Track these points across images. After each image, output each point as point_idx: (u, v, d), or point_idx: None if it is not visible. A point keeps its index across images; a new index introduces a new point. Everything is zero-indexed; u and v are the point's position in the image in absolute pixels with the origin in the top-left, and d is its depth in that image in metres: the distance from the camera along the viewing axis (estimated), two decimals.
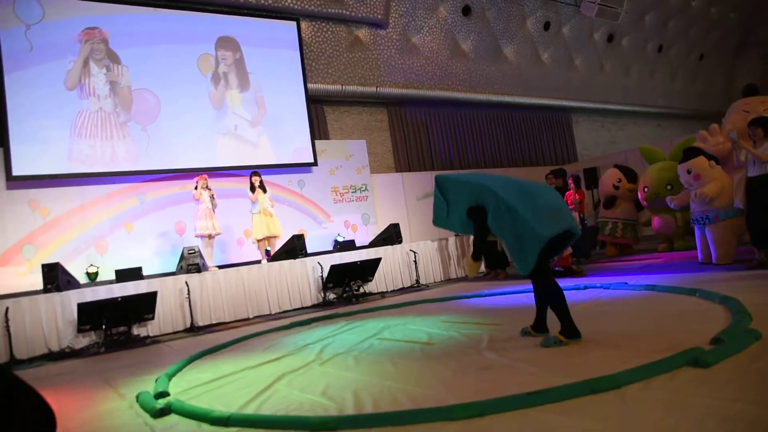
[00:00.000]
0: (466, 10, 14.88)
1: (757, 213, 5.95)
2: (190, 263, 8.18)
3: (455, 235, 11.22)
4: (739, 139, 6.09)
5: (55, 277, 7.28)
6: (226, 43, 10.97)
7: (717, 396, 2.32)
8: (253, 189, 9.15)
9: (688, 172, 6.98)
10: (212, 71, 10.73)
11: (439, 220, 4.43)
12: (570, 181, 10.26)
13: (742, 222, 6.61)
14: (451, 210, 4.26)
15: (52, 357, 6.67)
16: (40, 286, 7.56)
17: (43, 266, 7.43)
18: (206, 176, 9.08)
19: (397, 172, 13.82)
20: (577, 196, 9.98)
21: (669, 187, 8.81)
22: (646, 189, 9.41)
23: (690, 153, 7.15)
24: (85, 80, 9.36)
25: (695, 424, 2.05)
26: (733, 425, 2.01)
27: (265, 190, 9.24)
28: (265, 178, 9.47)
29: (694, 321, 3.90)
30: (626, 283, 6.10)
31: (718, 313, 3.97)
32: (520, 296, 6.54)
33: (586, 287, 6.33)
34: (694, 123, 21.82)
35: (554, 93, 17.45)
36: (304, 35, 12.32)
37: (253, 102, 11.07)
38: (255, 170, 9.47)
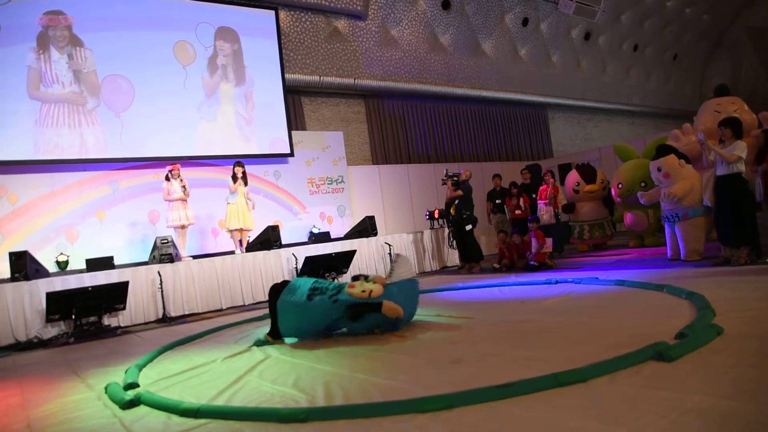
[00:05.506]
0: (446, 4, 14.89)
1: (724, 211, 6.07)
2: (163, 253, 8.09)
3: (430, 228, 11.27)
4: (706, 140, 6.20)
5: (23, 266, 7.13)
6: (224, 33, 10.88)
7: (679, 389, 2.38)
8: (235, 179, 9.07)
9: (659, 169, 7.09)
10: (192, 59, 10.54)
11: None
12: (548, 177, 10.35)
13: (710, 220, 6.73)
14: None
15: (19, 347, 6.56)
16: (7, 274, 7.40)
17: (11, 254, 7.29)
18: (179, 166, 8.97)
19: (373, 164, 13.81)
20: (552, 191, 10.10)
21: (643, 184, 8.84)
22: (620, 185, 9.51)
23: (662, 151, 7.26)
24: (46, 68, 9.11)
25: (657, 417, 2.11)
26: (693, 417, 2.06)
27: (246, 183, 9.18)
28: None
29: (661, 316, 3.98)
30: (597, 278, 6.19)
31: (684, 308, 4.05)
32: (493, 290, 6.60)
33: (558, 282, 6.41)
34: (667, 121, 22.20)
35: (531, 89, 17.59)
36: (282, 25, 12.21)
37: (232, 93, 10.94)
38: (240, 161, 9.38)
